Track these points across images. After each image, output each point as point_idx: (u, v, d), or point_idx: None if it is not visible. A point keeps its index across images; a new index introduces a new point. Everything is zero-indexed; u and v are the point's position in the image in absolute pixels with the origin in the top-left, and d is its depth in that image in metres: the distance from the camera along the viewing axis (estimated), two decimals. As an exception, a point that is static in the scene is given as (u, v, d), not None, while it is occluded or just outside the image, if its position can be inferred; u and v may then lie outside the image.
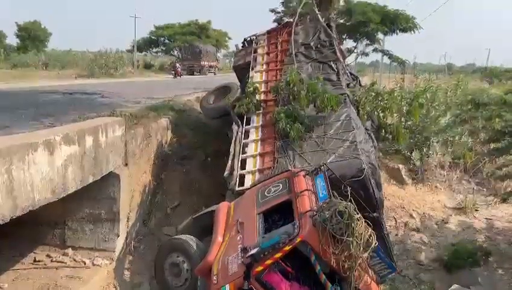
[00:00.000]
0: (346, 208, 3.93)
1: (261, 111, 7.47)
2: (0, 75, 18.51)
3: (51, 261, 5.95)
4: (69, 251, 6.14)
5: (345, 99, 7.05)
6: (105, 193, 6.07)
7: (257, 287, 3.92)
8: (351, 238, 3.83)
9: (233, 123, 7.33)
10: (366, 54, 16.44)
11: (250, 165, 6.40)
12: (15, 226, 4.31)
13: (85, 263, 5.95)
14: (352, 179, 5.25)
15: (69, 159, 4.69)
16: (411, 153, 10.03)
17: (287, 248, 3.94)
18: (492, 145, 8.69)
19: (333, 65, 8.03)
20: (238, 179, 6.14)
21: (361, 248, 3.88)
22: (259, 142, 6.83)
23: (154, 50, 46.84)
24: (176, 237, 5.69)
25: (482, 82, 28.80)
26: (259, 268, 3.94)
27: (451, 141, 10.65)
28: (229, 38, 48.93)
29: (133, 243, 6.66)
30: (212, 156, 8.44)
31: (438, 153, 10.33)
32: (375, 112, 7.83)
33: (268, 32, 9.47)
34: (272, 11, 16.38)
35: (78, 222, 6.23)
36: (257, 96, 7.63)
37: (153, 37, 45.33)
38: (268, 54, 8.94)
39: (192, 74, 32.54)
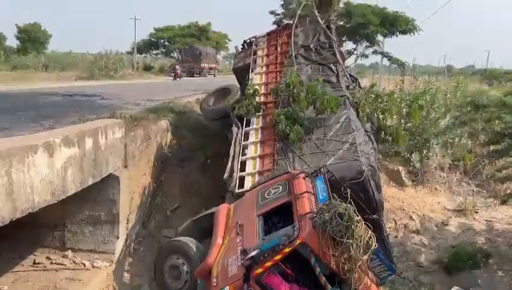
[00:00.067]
0: (346, 210, 3.93)
1: (260, 113, 7.48)
2: (0, 77, 18.51)
3: (51, 263, 5.93)
4: (69, 253, 6.13)
5: (345, 101, 7.06)
6: (105, 195, 6.06)
7: (257, 290, 3.92)
8: (350, 240, 3.84)
9: (233, 125, 7.33)
10: (366, 56, 16.57)
11: (250, 167, 6.41)
12: (15, 228, 4.29)
13: (85, 265, 5.94)
14: (352, 181, 5.26)
15: (69, 161, 4.68)
16: (411, 155, 10.04)
17: (287, 250, 3.93)
18: (492, 147, 8.70)
19: (333, 67, 8.04)
20: (237, 181, 6.14)
21: (361, 250, 3.89)
22: (259, 144, 6.84)
23: (154, 52, 47.11)
24: (176, 239, 5.68)
25: (481, 84, 28.87)
26: (259, 270, 3.93)
27: (451, 143, 10.65)
28: (229, 40, 49.21)
29: (132, 245, 6.65)
30: (212, 158, 8.42)
31: (437, 155, 10.33)
32: (375, 114, 7.86)
33: (268, 34, 9.48)
34: (272, 13, 16.50)
35: (78, 224, 6.21)
36: (257, 98, 7.64)
37: (152, 39, 45.55)
38: (268, 56, 8.94)
39: (192, 76, 32.53)
